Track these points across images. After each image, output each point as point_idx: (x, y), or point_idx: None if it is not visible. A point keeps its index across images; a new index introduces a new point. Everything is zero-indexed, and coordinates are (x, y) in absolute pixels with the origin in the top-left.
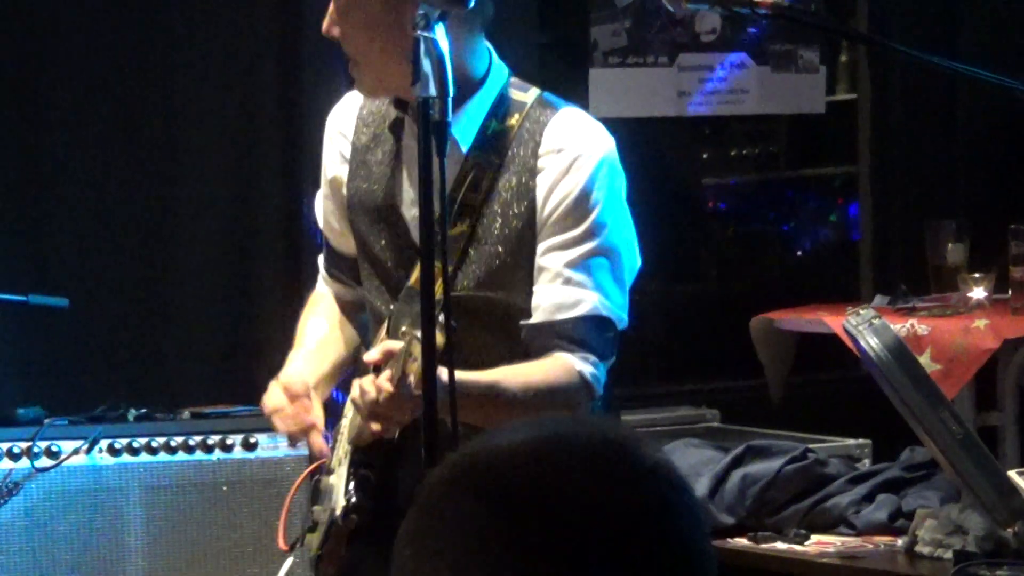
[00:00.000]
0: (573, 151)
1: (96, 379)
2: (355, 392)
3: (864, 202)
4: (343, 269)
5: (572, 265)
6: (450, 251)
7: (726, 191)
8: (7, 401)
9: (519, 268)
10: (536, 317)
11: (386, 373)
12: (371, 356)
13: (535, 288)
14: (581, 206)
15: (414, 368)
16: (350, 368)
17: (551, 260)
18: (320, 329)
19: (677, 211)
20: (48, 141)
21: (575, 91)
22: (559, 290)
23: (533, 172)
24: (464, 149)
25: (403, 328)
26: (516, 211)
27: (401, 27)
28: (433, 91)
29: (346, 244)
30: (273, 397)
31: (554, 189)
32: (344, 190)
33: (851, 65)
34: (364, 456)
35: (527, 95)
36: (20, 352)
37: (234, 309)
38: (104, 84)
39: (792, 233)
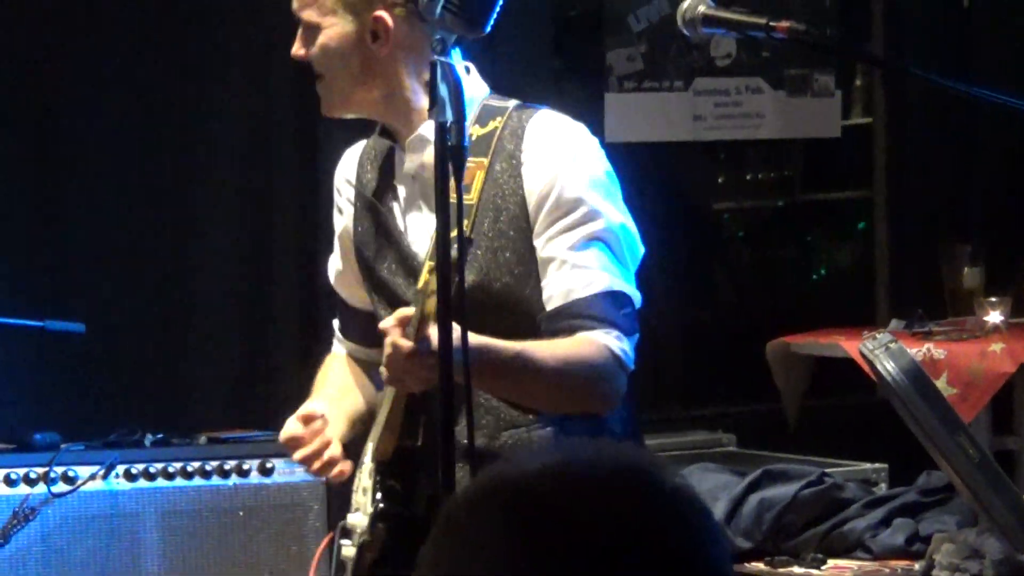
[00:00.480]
0: (555, 145)
1: (113, 404)
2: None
3: (880, 226)
4: (358, 326)
5: (574, 249)
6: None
7: (741, 215)
8: (24, 426)
9: (519, 261)
10: (551, 305)
11: (397, 331)
12: (386, 323)
13: (544, 281)
14: (570, 193)
15: (431, 306)
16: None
17: (553, 249)
18: (337, 380)
19: (692, 235)
20: (66, 169)
21: (590, 115)
22: (568, 274)
23: (518, 164)
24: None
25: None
26: (506, 205)
27: (366, 47)
28: (450, 116)
29: (360, 298)
30: (289, 427)
31: (543, 179)
32: (352, 239)
33: (866, 89)
34: (388, 468)
35: (506, 103)
36: (37, 377)
37: (251, 334)
38: (123, 113)
39: (808, 257)
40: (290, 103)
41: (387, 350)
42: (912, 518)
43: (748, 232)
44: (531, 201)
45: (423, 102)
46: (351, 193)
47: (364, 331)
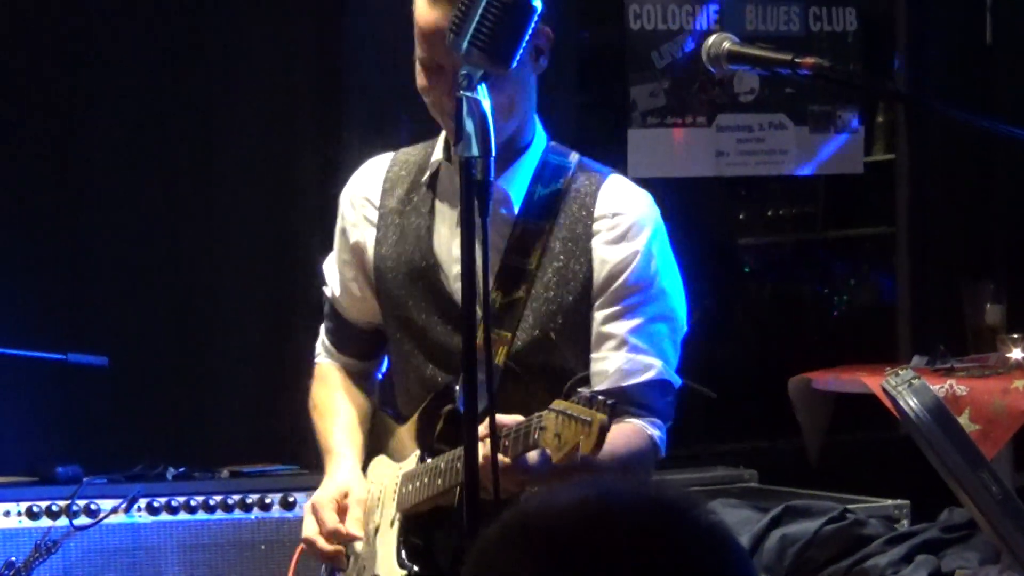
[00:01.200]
0: (629, 216)
1: (135, 438)
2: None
3: (902, 263)
4: (353, 341)
5: (636, 331)
6: (510, 316)
7: (763, 251)
8: (46, 459)
9: (573, 332)
10: (604, 384)
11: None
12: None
13: (599, 354)
14: (643, 272)
15: (549, 442)
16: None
17: (615, 326)
18: (343, 408)
19: (714, 271)
20: (88, 201)
21: (614, 151)
22: (625, 357)
23: (588, 236)
24: (515, 213)
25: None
26: (572, 276)
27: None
28: (476, 151)
29: (362, 313)
30: (308, 527)
31: (613, 254)
32: (370, 255)
33: (888, 126)
34: (415, 522)
35: (568, 159)
36: (59, 410)
37: (273, 368)
38: (144, 144)
39: (830, 294)
40: (314, 130)
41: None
42: (934, 555)
43: (770, 268)
44: (600, 274)
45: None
46: (371, 211)
47: (362, 347)
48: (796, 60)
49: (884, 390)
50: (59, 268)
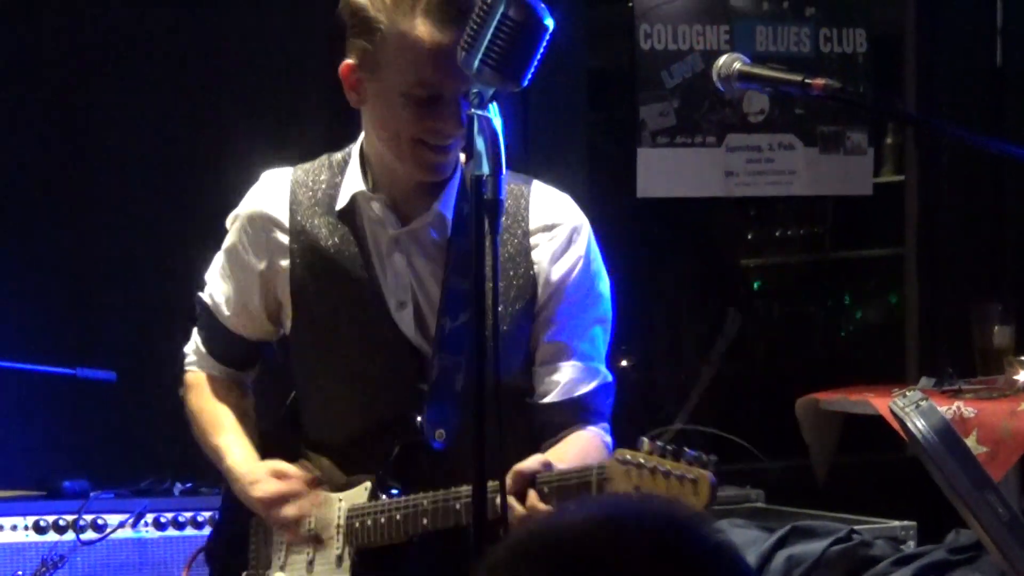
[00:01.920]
0: (565, 226)
1: (142, 453)
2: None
3: (910, 284)
4: (234, 350)
5: (582, 339)
6: (453, 343)
7: (772, 272)
8: (54, 474)
9: (521, 345)
10: (556, 395)
11: (535, 495)
12: (508, 484)
13: (547, 365)
14: (583, 279)
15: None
16: None
17: (561, 336)
18: (231, 418)
19: (722, 291)
20: (97, 216)
21: (623, 170)
22: (574, 365)
23: (527, 250)
24: (447, 235)
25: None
26: (517, 293)
27: None
28: (486, 169)
29: (252, 331)
30: (270, 485)
31: (555, 265)
32: (284, 280)
33: (897, 147)
34: (370, 558)
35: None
36: (67, 425)
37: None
38: (154, 160)
39: (838, 314)
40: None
41: (517, 511)
42: None
43: (778, 288)
44: (543, 286)
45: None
46: (279, 234)
47: (241, 356)
48: (807, 81)
49: (892, 411)
50: (68, 283)
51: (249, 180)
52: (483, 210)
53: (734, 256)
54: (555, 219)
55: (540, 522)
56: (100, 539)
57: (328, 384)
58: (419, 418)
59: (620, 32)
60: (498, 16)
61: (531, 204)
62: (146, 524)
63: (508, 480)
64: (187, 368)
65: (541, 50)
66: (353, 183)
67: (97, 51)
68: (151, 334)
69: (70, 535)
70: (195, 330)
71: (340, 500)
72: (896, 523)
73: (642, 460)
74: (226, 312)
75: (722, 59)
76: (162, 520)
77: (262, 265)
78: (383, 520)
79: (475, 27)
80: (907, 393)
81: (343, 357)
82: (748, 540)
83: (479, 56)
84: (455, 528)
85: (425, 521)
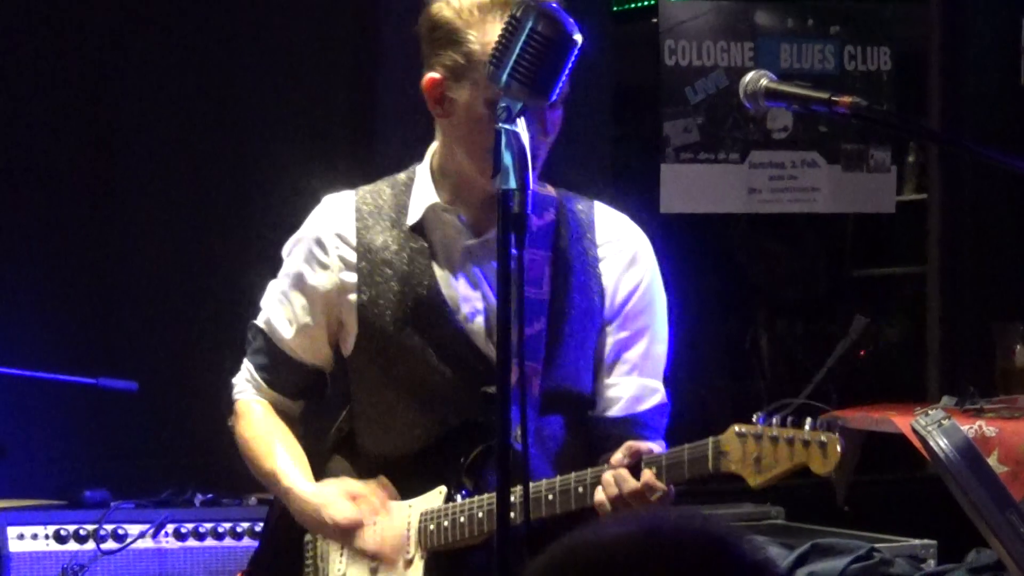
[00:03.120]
0: (631, 242)
1: (163, 463)
2: (611, 480)
3: (932, 302)
4: (292, 379)
5: (645, 356)
6: (531, 350)
7: (794, 289)
8: (74, 483)
9: (586, 358)
10: (617, 411)
11: (650, 473)
12: (616, 459)
13: (611, 379)
14: (648, 297)
15: (740, 467)
16: None
17: (627, 352)
18: (287, 442)
19: (744, 307)
20: (119, 227)
21: (646, 186)
22: (636, 382)
23: (595, 263)
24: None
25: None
26: (586, 305)
27: None
28: (513, 183)
29: (313, 355)
30: (346, 508)
31: (621, 281)
32: (350, 298)
33: (919, 165)
34: (443, 561)
35: (548, 189)
36: (88, 434)
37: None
38: (177, 170)
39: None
40: (347, 158)
41: (632, 484)
42: None
43: (800, 305)
44: (611, 300)
45: None
46: (347, 252)
47: (299, 386)
48: (833, 98)
49: (914, 430)
50: (91, 293)
51: (274, 192)
52: (509, 224)
53: (756, 273)
54: (620, 235)
55: (578, 537)
56: (120, 549)
57: (395, 397)
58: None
59: (645, 48)
60: (527, 31)
61: (597, 221)
62: (166, 535)
63: (620, 454)
64: (236, 397)
65: (569, 65)
66: (425, 196)
67: (127, 62)
68: (173, 344)
69: (90, 545)
70: (246, 360)
71: (410, 506)
72: (916, 541)
73: (761, 431)
74: (286, 336)
75: (749, 76)
76: (182, 531)
77: (328, 284)
78: (462, 520)
79: (504, 41)
80: (929, 412)
81: (412, 369)
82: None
83: (507, 70)
84: (541, 522)
85: (512, 515)
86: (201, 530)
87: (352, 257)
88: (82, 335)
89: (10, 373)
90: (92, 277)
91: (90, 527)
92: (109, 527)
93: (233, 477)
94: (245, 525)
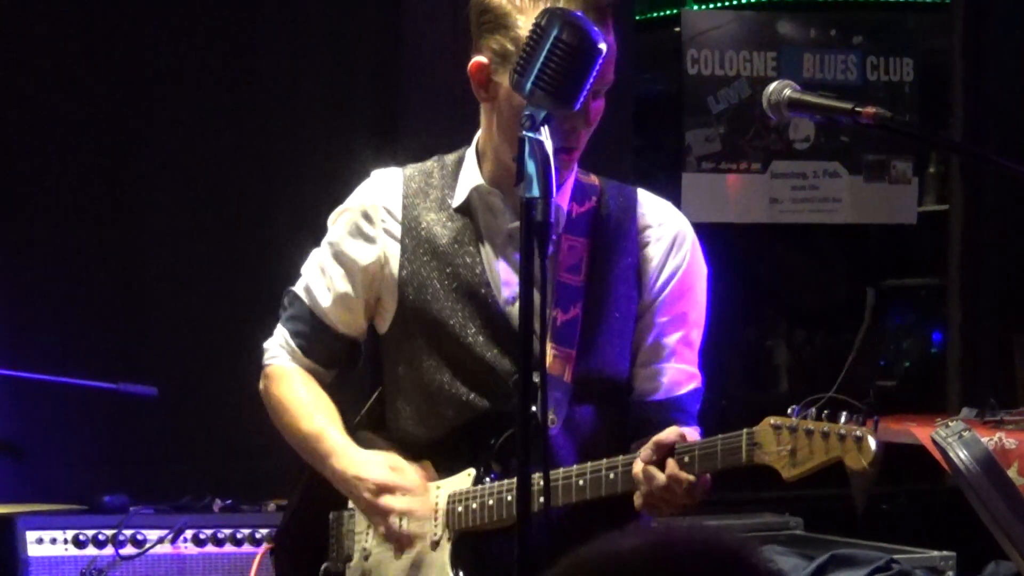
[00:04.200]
0: (673, 226)
1: (182, 469)
2: (640, 476)
3: (953, 313)
4: (327, 347)
5: (684, 342)
6: (568, 334)
7: (814, 299)
8: (94, 488)
9: (624, 342)
10: (656, 395)
11: (674, 464)
12: (645, 454)
13: (650, 364)
14: (689, 283)
15: (774, 459)
16: None
17: (665, 337)
18: (328, 407)
19: (764, 318)
20: (139, 232)
21: (668, 194)
22: (674, 367)
23: (636, 249)
24: (560, 230)
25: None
26: (626, 291)
27: None
28: (537, 192)
29: (349, 325)
30: (384, 471)
31: (664, 266)
32: (392, 268)
33: (940, 177)
34: (470, 541)
35: (592, 178)
36: (108, 440)
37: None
38: (197, 175)
39: (879, 343)
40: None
41: (659, 479)
42: None
43: (820, 316)
44: (651, 285)
45: None
46: (392, 224)
47: (334, 354)
48: (857, 109)
49: (934, 441)
50: (111, 298)
51: (296, 196)
52: (532, 232)
53: (776, 282)
54: (662, 220)
55: (591, 548)
56: (139, 554)
57: (430, 377)
58: (532, 407)
59: (667, 57)
60: (551, 39)
61: (639, 207)
62: (185, 540)
63: (646, 451)
64: (268, 362)
65: (593, 74)
66: (471, 178)
67: (149, 69)
68: (193, 350)
69: (109, 550)
70: (280, 325)
71: (438, 488)
72: (935, 553)
73: (796, 424)
74: (324, 304)
75: (772, 86)
76: (201, 536)
77: (371, 257)
78: (491, 502)
79: (528, 49)
80: (949, 423)
81: (450, 349)
82: (788, 568)
83: (532, 78)
84: (572, 506)
85: (542, 499)
86: (220, 536)
87: (397, 231)
88: (102, 340)
89: (31, 377)
90: (113, 282)
91: (109, 532)
92: (128, 532)
93: (252, 483)
94: (264, 531)
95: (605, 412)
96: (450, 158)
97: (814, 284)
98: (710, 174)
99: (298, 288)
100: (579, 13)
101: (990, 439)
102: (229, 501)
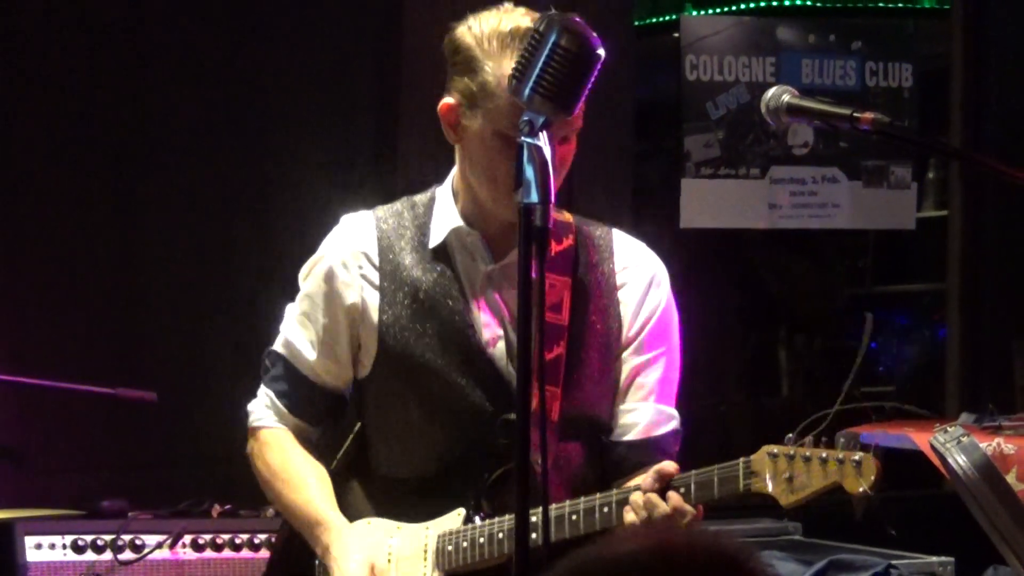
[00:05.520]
0: (649, 268)
1: (181, 473)
2: (640, 503)
3: (952, 319)
4: (313, 404)
5: (661, 381)
6: (553, 373)
7: (814, 304)
8: (93, 493)
9: (606, 382)
10: (635, 435)
11: (677, 496)
12: (647, 483)
13: (628, 404)
14: (665, 324)
15: (772, 487)
16: None
17: (644, 377)
18: (315, 473)
19: (763, 323)
20: (140, 236)
21: (667, 200)
22: (653, 407)
23: (614, 289)
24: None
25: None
26: (606, 330)
27: None
28: (536, 197)
29: (335, 377)
30: (364, 570)
31: (642, 307)
32: (372, 316)
33: (939, 182)
34: None
35: (565, 215)
36: (106, 445)
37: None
38: (197, 181)
39: (879, 348)
40: (370, 174)
41: (662, 508)
42: None
43: (820, 322)
44: (630, 325)
45: None
46: (370, 271)
47: (319, 411)
48: (856, 115)
49: (933, 447)
50: (110, 303)
51: (295, 208)
52: (531, 238)
53: (776, 288)
54: (638, 261)
55: (589, 552)
56: (138, 559)
57: (415, 418)
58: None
59: (666, 63)
60: (551, 45)
61: (615, 247)
62: (184, 545)
63: (648, 480)
64: (254, 424)
65: (592, 79)
66: (448, 219)
67: (151, 80)
68: (192, 355)
69: (108, 555)
70: (263, 386)
71: (427, 528)
72: (934, 559)
73: (793, 451)
74: (309, 358)
75: (771, 91)
76: (200, 542)
77: (350, 304)
78: (481, 541)
79: (527, 55)
80: (948, 429)
81: (434, 390)
82: (786, 573)
83: (530, 84)
84: (564, 543)
85: (534, 535)
86: (219, 541)
87: (375, 276)
88: (101, 345)
89: (29, 382)
90: (112, 286)
91: (108, 537)
92: (127, 537)
93: (251, 488)
94: (263, 536)
95: (591, 450)
96: (420, 198)
97: (813, 290)
98: (709, 180)
99: (278, 347)
100: (578, 19)
101: (989, 445)
102: (228, 506)
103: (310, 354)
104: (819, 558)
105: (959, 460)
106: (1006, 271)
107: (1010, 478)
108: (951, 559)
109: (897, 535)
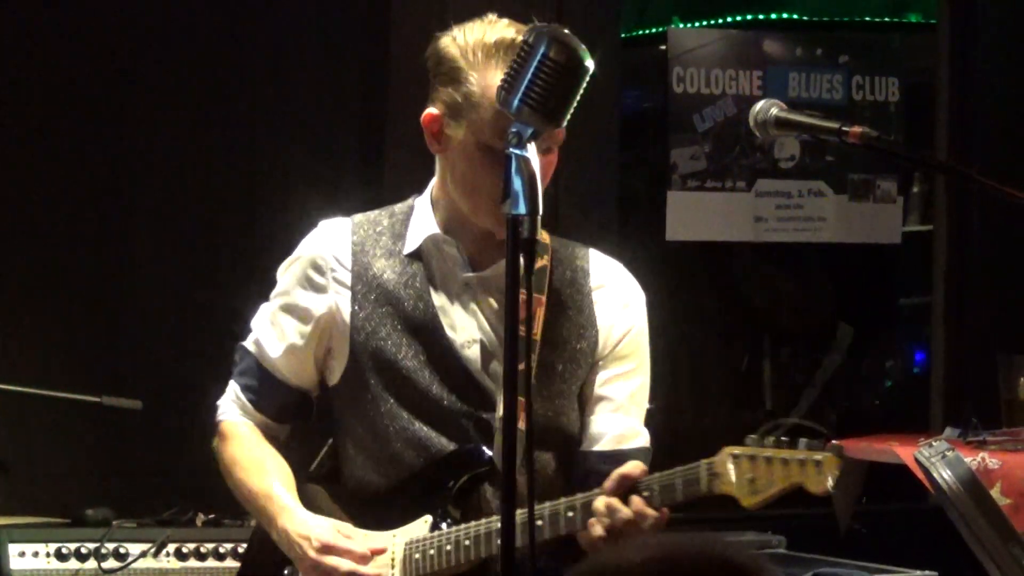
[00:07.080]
0: (625, 286)
1: (166, 482)
2: (602, 508)
3: (937, 333)
4: (277, 401)
5: (630, 397)
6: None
7: (798, 318)
8: (77, 501)
9: (573, 395)
10: (603, 446)
11: (640, 501)
12: (609, 486)
13: (596, 416)
14: (638, 341)
15: (734, 488)
16: None
17: (613, 390)
18: (276, 463)
19: (748, 337)
20: (124, 245)
21: (653, 212)
22: (622, 420)
23: (590, 306)
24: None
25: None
26: (579, 346)
27: None
28: (523, 209)
29: (300, 377)
30: (331, 533)
31: (614, 323)
32: (344, 317)
33: (924, 196)
34: None
35: (542, 235)
36: (91, 453)
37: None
38: (183, 189)
39: (863, 362)
40: (358, 178)
41: (624, 513)
42: None
43: (804, 335)
44: (604, 339)
45: None
46: (342, 273)
47: (285, 408)
48: (843, 129)
49: (918, 461)
50: (95, 311)
51: (281, 214)
52: (519, 250)
53: (761, 301)
54: (614, 279)
55: (599, 561)
56: (121, 568)
57: (386, 420)
58: (488, 451)
59: (653, 75)
60: (539, 56)
61: (591, 265)
62: (168, 554)
63: (609, 483)
64: (221, 419)
65: (580, 91)
66: (425, 226)
67: (136, 88)
68: (177, 364)
69: (92, 563)
70: (232, 382)
71: (394, 536)
72: (918, 572)
73: (754, 452)
74: (273, 356)
75: (759, 105)
76: (184, 551)
77: (322, 307)
78: (448, 548)
79: (516, 67)
80: (933, 443)
81: (405, 393)
82: None
83: (519, 95)
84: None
85: (500, 541)
86: (203, 550)
87: (347, 279)
88: (86, 353)
89: (14, 390)
90: (97, 295)
91: (91, 545)
92: (111, 546)
93: (235, 498)
94: (247, 546)
95: (560, 461)
96: (399, 207)
97: (798, 303)
98: (695, 192)
99: (248, 343)
100: (567, 31)
101: (973, 459)
102: (212, 515)
103: (275, 352)
104: (804, 571)
105: (944, 474)
106: (991, 285)
107: (994, 493)
108: (935, 573)
109: (866, 533)
